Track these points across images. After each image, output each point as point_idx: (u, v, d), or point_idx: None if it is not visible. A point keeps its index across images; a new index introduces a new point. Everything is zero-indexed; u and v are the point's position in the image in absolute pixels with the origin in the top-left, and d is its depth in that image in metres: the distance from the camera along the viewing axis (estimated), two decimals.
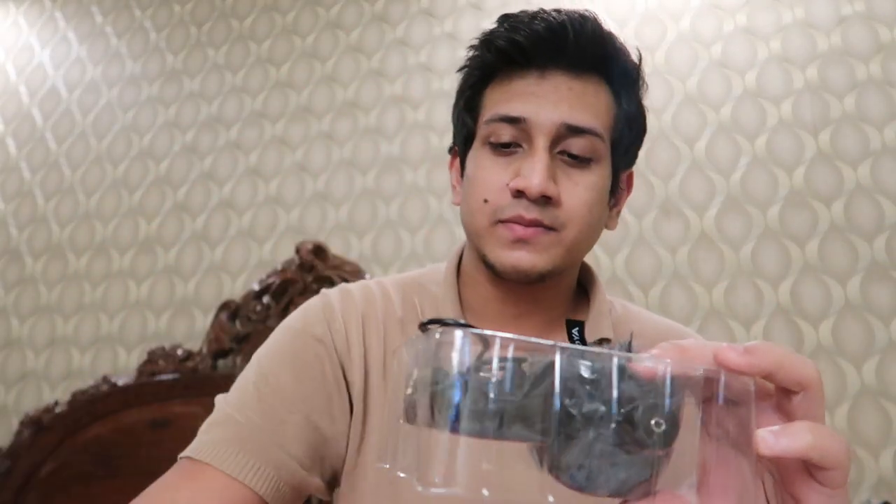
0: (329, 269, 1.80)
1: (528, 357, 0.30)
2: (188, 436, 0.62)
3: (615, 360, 0.30)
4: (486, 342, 0.29)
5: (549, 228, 0.61)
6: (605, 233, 1.98)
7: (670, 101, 1.82)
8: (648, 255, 1.73)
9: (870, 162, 1.67)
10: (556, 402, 0.29)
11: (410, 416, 0.32)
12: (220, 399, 0.65)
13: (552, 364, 0.30)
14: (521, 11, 0.64)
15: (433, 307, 0.69)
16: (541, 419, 0.29)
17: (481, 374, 0.29)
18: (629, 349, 0.32)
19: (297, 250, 1.83)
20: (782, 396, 0.33)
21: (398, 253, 1.89)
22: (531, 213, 0.60)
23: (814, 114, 1.74)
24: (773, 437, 0.31)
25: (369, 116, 2.03)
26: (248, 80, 2.16)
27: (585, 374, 0.30)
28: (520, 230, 0.60)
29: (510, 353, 0.30)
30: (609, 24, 0.67)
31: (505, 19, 0.65)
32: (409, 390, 0.32)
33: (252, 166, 2.07)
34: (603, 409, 0.30)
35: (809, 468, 0.32)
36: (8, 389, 2.02)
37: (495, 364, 0.29)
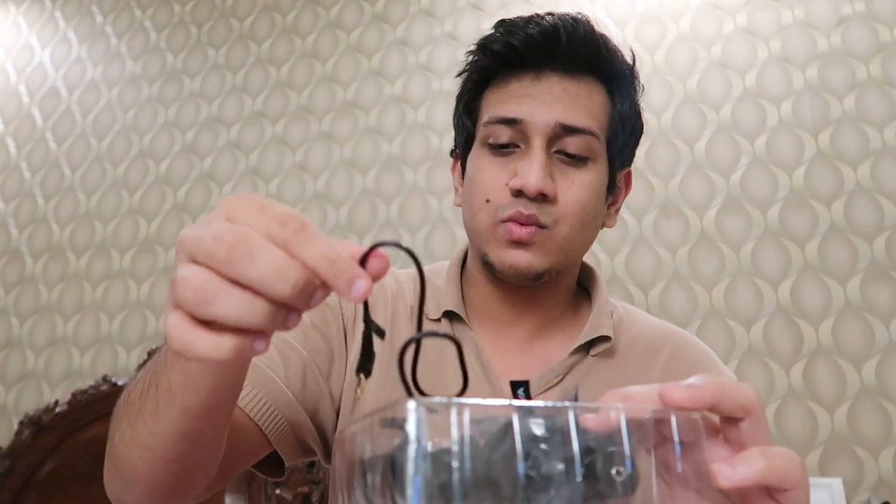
0: None
1: (481, 420, 0.30)
2: None
3: (572, 415, 0.30)
4: (440, 409, 0.28)
5: (542, 227, 0.63)
6: (605, 233, 1.97)
7: (670, 101, 1.82)
8: (648, 255, 1.73)
9: (870, 162, 1.67)
10: (521, 468, 0.29)
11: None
12: None
13: (507, 425, 0.29)
14: (517, 17, 0.67)
15: (435, 299, 0.71)
16: (503, 484, 0.29)
17: (440, 445, 0.28)
18: (575, 400, 0.32)
19: None
20: (729, 427, 0.34)
21: (398, 253, 1.88)
22: (529, 209, 0.62)
23: (814, 114, 1.74)
24: (730, 469, 0.32)
25: (369, 116, 2.03)
26: (248, 80, 2.16)
27: (539, 432, 0.30)
28: (516, 232, 0.62)
29: (466, 419, 0.29)
30: (607, 25, 0.67)
31: (501, 24, 0.67)
32: (368, 478, 0.30)
33: (252, 166, 2.07)
34: (561, 466, 0.29)
35: (771, 493, 0.33)
36: (8, 389, 2.02)
37: (454, 433, 0.28)
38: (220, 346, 0.31)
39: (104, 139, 2.20)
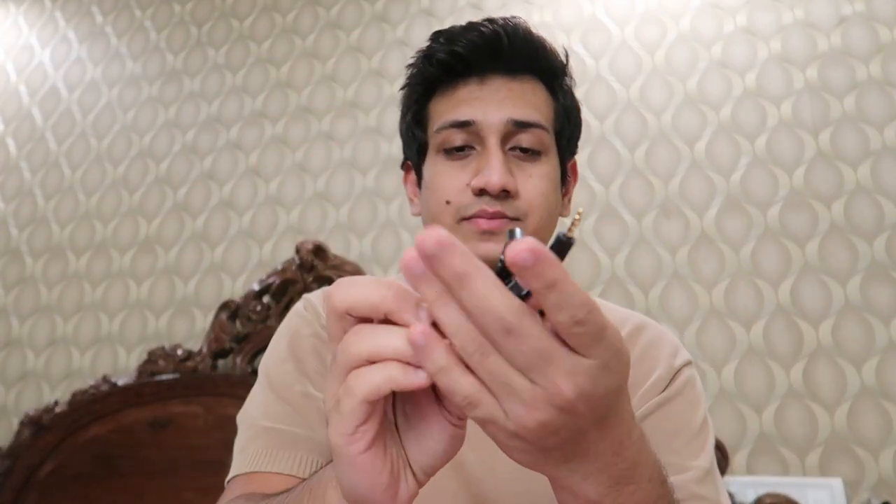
0: (329, 269, 1.80)
1: None
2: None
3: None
4: None
5: (513, 219, 0.64)
6: (606, 233, 1.96)
7: (670, 101, 1.82)
8: (648, 255, 1.73)
9: (870, 162, 1.67)
10: None
11: None
12: (240, 418, 0.69)
13: None
14: (453, 26, 0.70)
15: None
16: None
17: None
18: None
19: (297, 250, 1.83)
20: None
21: (398, 253, 1.89)
22: (494, 206, 0.63)
23: (814, 114, 1.74)
24: None
25: (369, 116, 2.03)
26: (248, 80, 2.16)
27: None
28: (484, 223, 0.63)
29: None
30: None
31: (439, 35, 0.70)
32: None
33: (252, 166, 2.07)
34: None
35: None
36: (8, 389, 2.02)
37: None
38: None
39: (104, 139, 2.20)
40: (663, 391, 0.67)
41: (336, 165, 2.01)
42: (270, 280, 1.83)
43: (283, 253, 1.94)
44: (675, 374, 0.68)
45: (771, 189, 1.71)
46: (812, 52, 1.78)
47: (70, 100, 2.26)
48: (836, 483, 1.48)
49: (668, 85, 1.84)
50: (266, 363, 0.71)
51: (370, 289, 0.33)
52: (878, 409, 1.52)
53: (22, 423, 1.83)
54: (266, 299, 1.83)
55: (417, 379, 0.32)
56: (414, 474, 0.38)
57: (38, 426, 1.80)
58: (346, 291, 0.34)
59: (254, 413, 0.67)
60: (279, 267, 1.85)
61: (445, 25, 2.03)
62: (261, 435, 0.64)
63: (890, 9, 1.76)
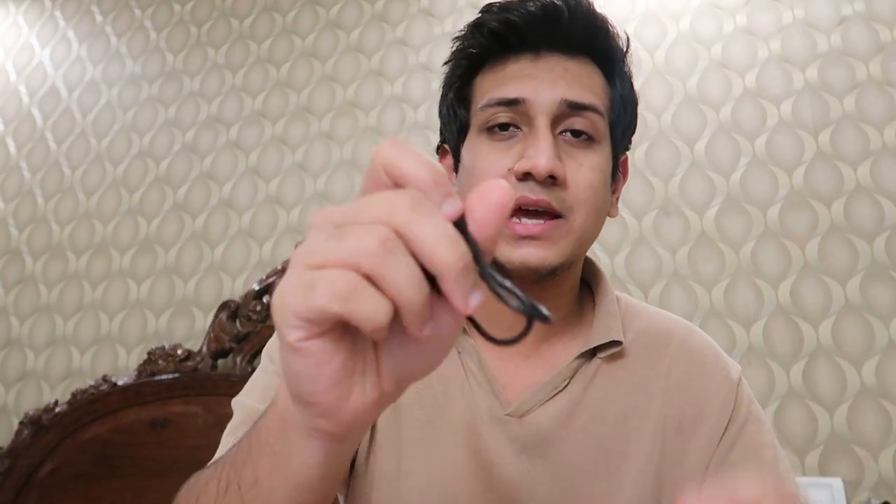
0: None
1: None
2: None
3: None
4: None
5: (556, 215, 0.58)
6: (605, 232, 1.97)
7: (670, 101, 1.82)
8: (648, 255, 1.73)
9: (870, 162, 1.67)
10: None
11: None
12: (235, 401, 0.64)
13: None
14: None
15: None
16: None
17: None
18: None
19: None
20: None
21: None
22: (538, 194, 0.57)
23: (814, 114, 1.73)
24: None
25: (369, 116, 2.03)
26: (248, 80, 2.16)
27: None
28: (522, 229, 0.57)
29: None
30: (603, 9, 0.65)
31: (491, 6, 0.63)
32: None
33: (252, 166, 2.07)
34: None
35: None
36: (8, 389, 2.02)
37: None
38: (383, 306, 0.27)
39: (104, 139, 2.20)
40: (729, 421, 0.63)
41: (336, 165, 2.01)
42: (270, 280, 1.83)
43: (283, 253, 1.94)
44: (735, 404, 0.64)
45: (771, 189, 1.71)
46: (812, 52, 1.78)
47: (70, 100, 2.26)
48: (836, 483, 1.48)
49: (668, 85, 1.84)
50: (269, 346, 0.66)
51: (412, 160, 0.30)
52: (878, 409, 1.52)
53: (22, 423, 1.83)
54: (266, 299, 1.83)
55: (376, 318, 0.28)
56: (380, 380, 0.31)
57: (38, 426, 1.80)
58: (388, 152, 0.30)
59: (249, 396, 0.63)
60: (279, 267, 1.85)
61: (445, 25, 2.05)
62: (253, 417, 0.59)
63: (890, 9, 1.76)
